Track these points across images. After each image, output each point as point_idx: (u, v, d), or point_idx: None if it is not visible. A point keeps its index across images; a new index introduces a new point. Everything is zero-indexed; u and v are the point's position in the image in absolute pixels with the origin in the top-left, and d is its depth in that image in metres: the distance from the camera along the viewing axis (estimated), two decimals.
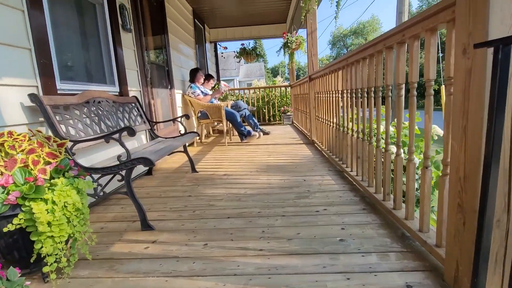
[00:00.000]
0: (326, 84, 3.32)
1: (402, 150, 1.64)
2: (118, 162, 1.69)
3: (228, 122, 4.73)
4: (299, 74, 49.42)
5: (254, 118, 5.67)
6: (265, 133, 5.55)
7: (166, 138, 3.01)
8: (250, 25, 7.36)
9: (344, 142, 2.71)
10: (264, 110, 7.67)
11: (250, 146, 4.45)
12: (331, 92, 3.09)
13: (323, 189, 2.32)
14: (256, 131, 5.40)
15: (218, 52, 7.88)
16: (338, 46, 48.12)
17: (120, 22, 2.83)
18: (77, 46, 2.37)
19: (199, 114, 4.78)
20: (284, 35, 5.88)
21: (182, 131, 3.03)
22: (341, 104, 2.87)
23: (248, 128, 5.01)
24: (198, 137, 5.27)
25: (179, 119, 2.98)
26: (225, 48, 7.61)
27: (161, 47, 4.09)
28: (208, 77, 5.32)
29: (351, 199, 2.06)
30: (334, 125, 3.07)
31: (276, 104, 7.78)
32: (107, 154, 2.35)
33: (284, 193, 2.26)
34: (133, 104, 2.85)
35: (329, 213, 1.84)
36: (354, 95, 2.34)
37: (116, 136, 1.67)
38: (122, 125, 2.50)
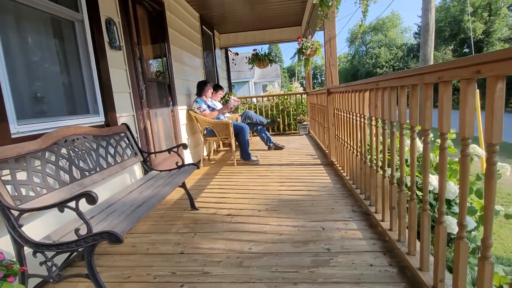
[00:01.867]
0: (348, 102, 2.81)
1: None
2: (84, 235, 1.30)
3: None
4: (315, 73, 48.34)
5: (267, 132, 5.22)
6: (278, 148, 5.08)
7: (161, 171, 2.62)
8: (263, 29, 6.90)
9: (372, 180, 2.21)
10: (279, 119, 7.18)
11: (262, 168, 3.99)
12: (354, 114, 2.58)
13: (347, 247, 1.83)
14: (269, 145, 5.03)
15: (229, 58, 7.46)
16: (356, 43, 46.68)
17: (106, 39, 2.45)
18: (48, 73, 2.00)
19: (205, 132, 4.38)
20: (299, 39, 5.39)
21: (184, 157, 2.62)
22: (367, 131, 2.36)
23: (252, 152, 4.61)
24: (206, 154, 4.88)
25: (175, 149, 2.57)
26: (236, 54, 7.18)
27: (161, 61, 3.71)
28: (216, 88, 4.92)
29: (385, 272, 1.56)
30: (359, 154, 2.57)
31: (292, 113, 7.27)
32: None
33: (297, 253, 1.79)
34: (122, 134, 2.47)
35: None
36: (387, 128, 1.84)
37: (73, 204, 1.26)
38: (105, 165, 2.11)
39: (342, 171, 3.30)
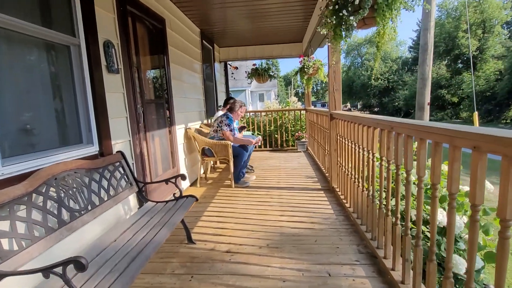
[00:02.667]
0: (353, 133, 2.72)
1: None
2: None
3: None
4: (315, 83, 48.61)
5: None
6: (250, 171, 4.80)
7: (157, 202, 2.47)
8: (263, 44, 6.84)
9: (380, 222, 2.10)
10: (277, 136, 7.09)
11: (261, 191, 3.85)
12: (361, 147, 2.48)
13: None
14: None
15: (229, 71, 7.36)
16: (352, 55, 47.27)
17: (104, 63, 2.33)
18: (39, 102, 1.86)
19: (203, 151, 4.24)
20: (301, 58, 5.33)
21: (181, 186, 2.48)
22: (376, 169, 2.26)
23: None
24: (203, 172, 4.74)
25: (173, 180, 2.43)
26: (236, 68, 7.10)
27: (160, 80, 3.59)
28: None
29: None
30: (365, 190, 2.46)
31: (290, 129, 7.18)
32: (79, 240, 1.82)
33: None
34: (117, 163, 2.33)
35: None
36: (400, 174, 1.74)
37: (59, 269, 1.12)
38: (97, 201, 1.96)
39: (344, 201, 3.19)
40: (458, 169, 1.17)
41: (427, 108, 8.76)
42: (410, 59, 36.98)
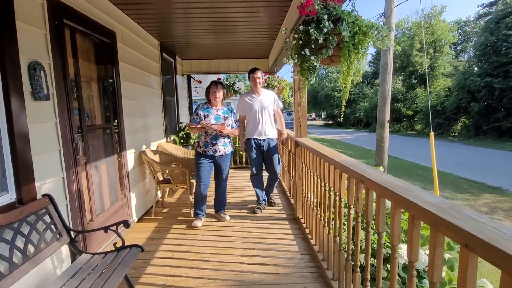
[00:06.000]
0: (319, 167, 2.54)
1: None
2: None
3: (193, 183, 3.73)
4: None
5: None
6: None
7: (94, 254, 2.08)
8: (228, 59, 6.60)
9: (348, 275, 1.92)
10: (242, 152, 6.84)
11: (222, 226, 3.52)
12: (328, 187, 2.31)
13: None
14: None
15: (192, 85, 7.01)
16: None
17: (28, 89, 1.92)
18: None
19: (160, 178, 3.86)
20: (266, 76, 5.17)
21: (123, 236, 2.10)
22: (343, 216, 2.10)
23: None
24: (160, 196, 4.33)
25: (113, 228, 2.06)
26: (199, 82, 6.78)
27: (108, 101, 3.18)
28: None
29: None
30: (331, 232, 2.29)
31: None
32: None
33: None
34: (43, 211, 1.91)
35: None
36: (371, 231, 1.57)
37: None
38: (7, 269, 1.55)
39: (309, 236, 3.01)
40: (441, 257, 1.00)
41: (387, 125, 9.07)
42: (369, 73, 39.00)
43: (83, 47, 2.73)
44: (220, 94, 3.37)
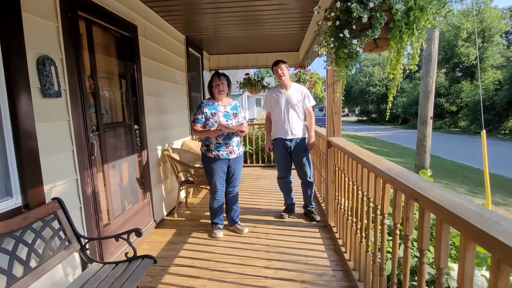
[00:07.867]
0: (356, 172, 2.20)
1: None
2: None
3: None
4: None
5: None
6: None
7: (104, 263, 1.93)
8: (256, 52, 6.32)
9: None
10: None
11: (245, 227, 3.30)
12: (367, 198, 1.96)
13: None
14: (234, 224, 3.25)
15: None
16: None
17: (36, 85, 1.79)
18: None
19: (183, 178, 3.71)
20: (296, 70, 4.83)
21: (135, 246, 1.94)
22: (385, 234, 1.75)
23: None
24: (184, 197, 4.20)
25: (124, 236, 1.89)
26: None
27: (129, 98, 3.05)
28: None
29: None
30: (371, 252, 1.95)
31: None
32: None
33: None
34: (51, 217, 1.78)
35: None
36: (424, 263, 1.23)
37: None
38: (4, 283, 1.42)
39: (343, 248, 2.67)
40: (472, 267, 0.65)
41: (430, 122, 8.29)
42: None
43: (100, 41, 2.60)
44: (225, 87, 2.92)
